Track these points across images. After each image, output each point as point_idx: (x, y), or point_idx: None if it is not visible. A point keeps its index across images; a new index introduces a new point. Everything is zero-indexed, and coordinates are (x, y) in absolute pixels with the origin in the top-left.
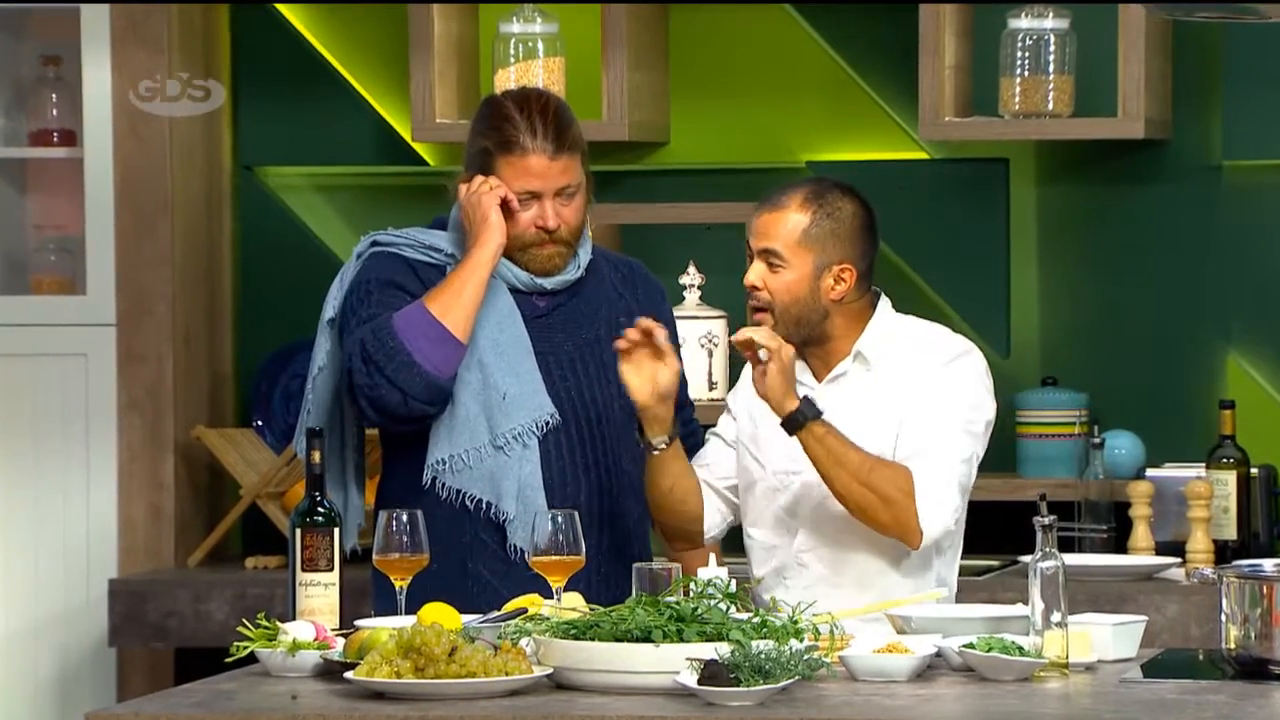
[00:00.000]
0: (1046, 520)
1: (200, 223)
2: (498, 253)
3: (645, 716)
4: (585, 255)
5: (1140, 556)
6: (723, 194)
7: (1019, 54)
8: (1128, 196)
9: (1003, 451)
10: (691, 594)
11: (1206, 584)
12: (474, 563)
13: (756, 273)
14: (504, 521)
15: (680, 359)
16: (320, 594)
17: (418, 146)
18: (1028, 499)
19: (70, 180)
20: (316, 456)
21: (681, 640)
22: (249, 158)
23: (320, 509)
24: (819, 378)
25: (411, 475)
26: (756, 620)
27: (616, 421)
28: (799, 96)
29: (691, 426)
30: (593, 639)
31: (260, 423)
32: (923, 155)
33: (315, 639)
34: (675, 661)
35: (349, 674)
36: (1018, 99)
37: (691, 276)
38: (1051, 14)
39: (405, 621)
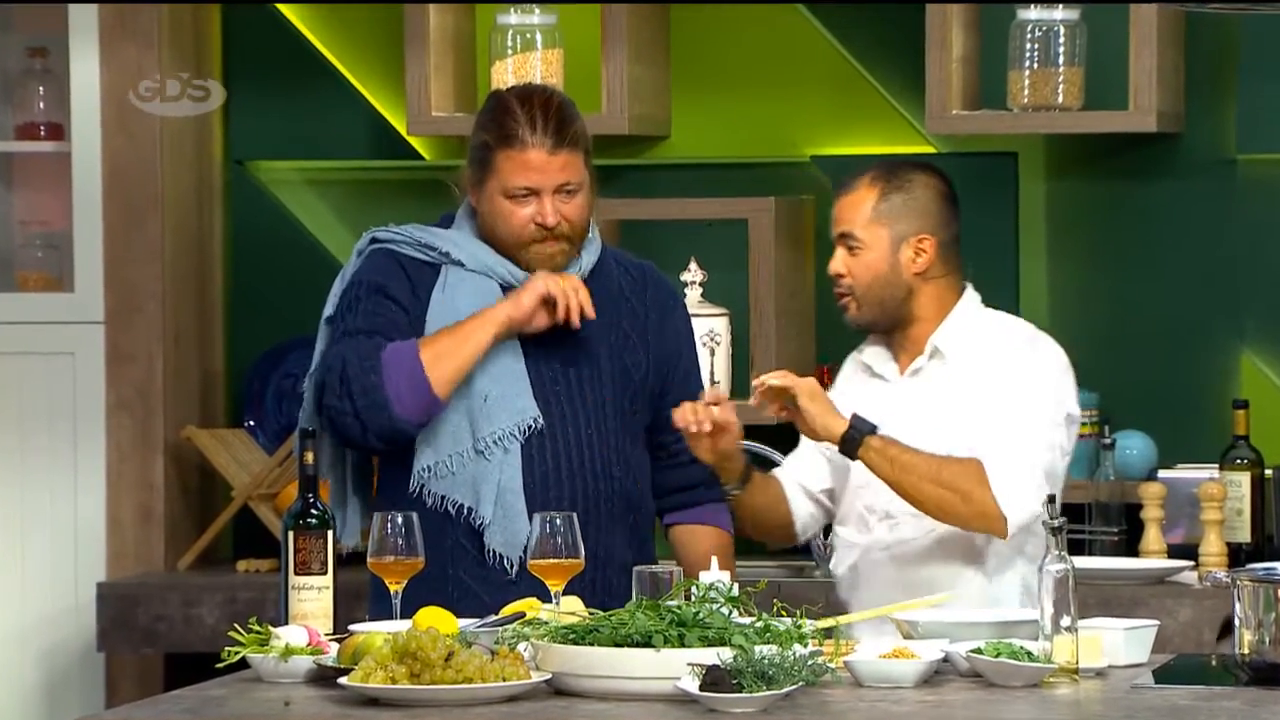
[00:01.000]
0: (1056, 522)
1: (191, 218)
2: (510, 326)
3: None
4: (590, 257)
5: (1152, 559)
6: (725, 189)
7: (1028, 46)
8: (1139, 191)
9: None
10: (693, 598)
11: (1220, 588)
12: (454, 569)
13: (837, 259)
14: (480, 526)
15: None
16: (313, 598)
17: (413, 140)
18: None
19: (57, 175)
20: (310, 457)
21: (683, 645)
22: (240, 152)
23: (313, 511)
24: (902, 370)
25: (402, 483)
26: (759, 625)
27: (609, 427)
28: (803, 89)
29: None
30: (592, 644)
31: (252, 423)
32: (930, 149)
33: (308, 644)
34: (676, 667)
35: (343, 680)
36: (1027, 92)
37: (693, 273)
38: (1061, 5)
39: (400, 626)
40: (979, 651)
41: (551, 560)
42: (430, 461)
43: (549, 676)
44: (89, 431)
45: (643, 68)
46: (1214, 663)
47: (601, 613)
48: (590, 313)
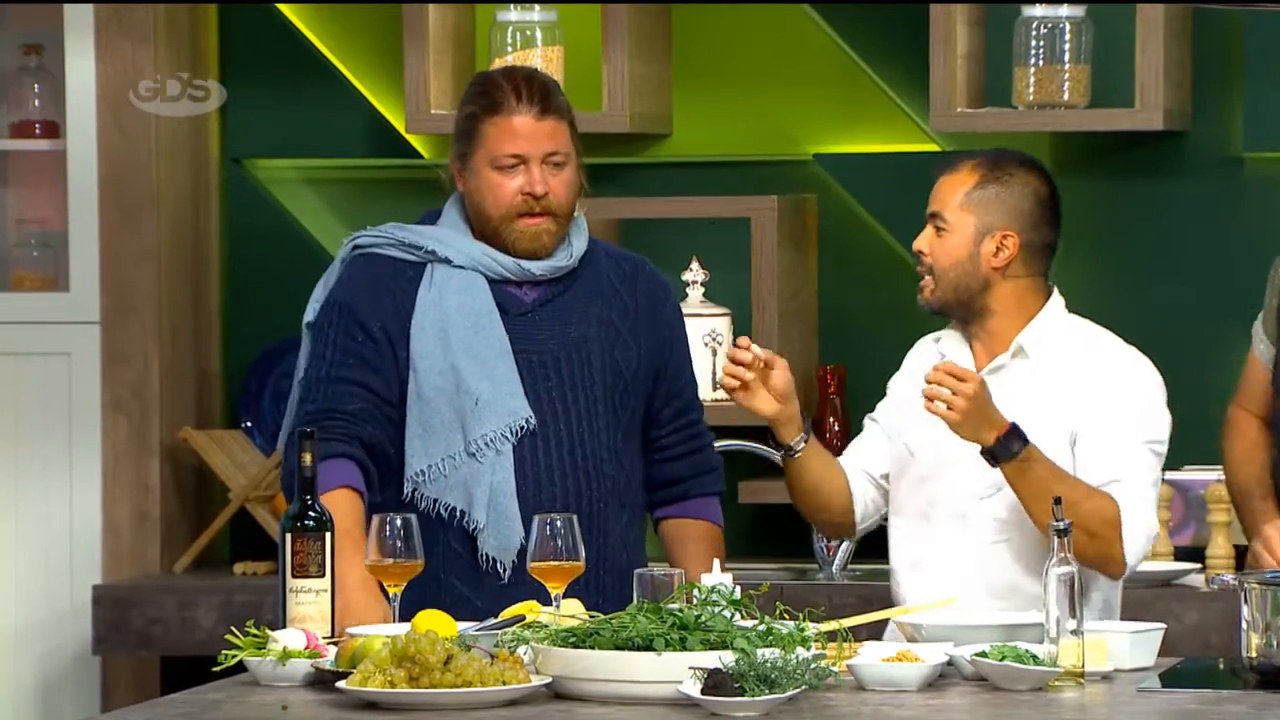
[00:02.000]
0: (1061, 525)
1: (187, 217)
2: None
3: None
4: (580, 244)
5: (1159, 562)
6: (727, 187)
7: (1033, 43)
8: (1145, 190)
9: None
10: (695, 600)
11: (1227, 590)
12: (447, 574)
13: (923, 237)
14: (474, 530)
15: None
16: (311, 600)
17: (411, 138)
18: None
19: (52, 173)
20: (308, 459)
21: (684, 648)
22: (237, 150)
23: (311, 513)
24: (979, 365)
25: (393, 487)
26: (762, 628)
27: (600, 424)
28: (805, 86)
29: (698, 429)
30: (593, 647)
31: (249, 424)
32: (934, 147)
33: (306, 647)
34: (678, 670)
35: (341, 684)
36: (1032, 89)
37: (694, 272)
38: (1067, 2)
39: (399, 629)
40: (984, 655)
41: (552, 563)
42: (423, 465)
43: (549, 680)
44: (84, 433)
45: (644, 65)
46: (1221, 666)
47: (602, 615)
48: None
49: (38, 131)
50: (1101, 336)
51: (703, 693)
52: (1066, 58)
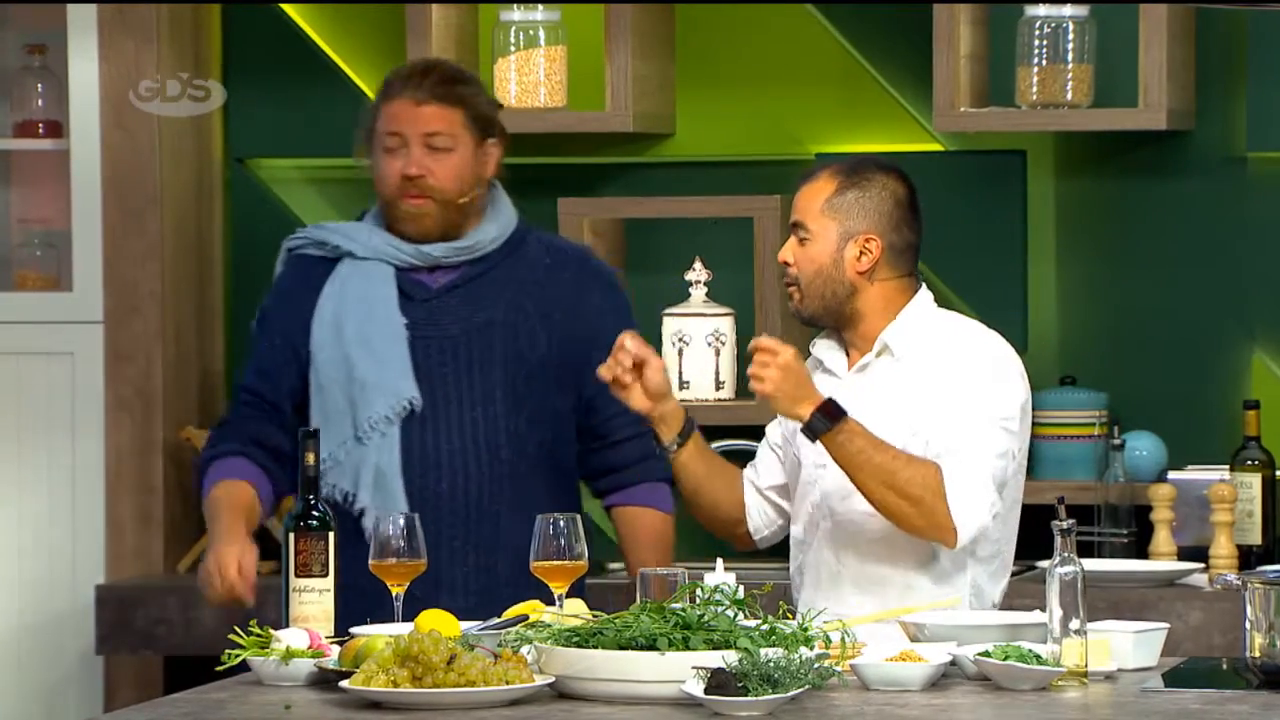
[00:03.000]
0: (1065, 524)
1: (190, 217)
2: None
3: None
4: (494, 229)
5: (1162, 562)
6: (730, 187)
7: (1036, 42)
8: (1149, 189)
9: None
10: (698, 600)
11: (1230, 590)
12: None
13: (787, 248)
14: (359, 514)
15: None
16: (314, 600)
17: None
18: (1045, 502)
19: (56, 173)
20: (311, 458)
21: (688, 648)
22: (240, 150)
23: (314, 513)
24: (850, 365)
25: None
26: (765, 628)
27: (499, 409)
28: (809, 86)
29: (636, 430)
30: (596, 647)
31: None
32: (937, 147)
33: (309, 647)
34: (681, 670)
35: (344, 683)
36: (1035, 89)
37: (698, 272)
38: (1070, 1)
39: (402, 629)
40: (987, 654)
41: (554, 562)
42: (325, 454)
43: (552, 680)
44: (87, 432)
45: (647, 64)
46: (1224, 666)
47: (604, 615)
48: (246, 598)
49: (41, 131)
50: (962, 326)
51: (706, 692)
52: (1070, 57)
